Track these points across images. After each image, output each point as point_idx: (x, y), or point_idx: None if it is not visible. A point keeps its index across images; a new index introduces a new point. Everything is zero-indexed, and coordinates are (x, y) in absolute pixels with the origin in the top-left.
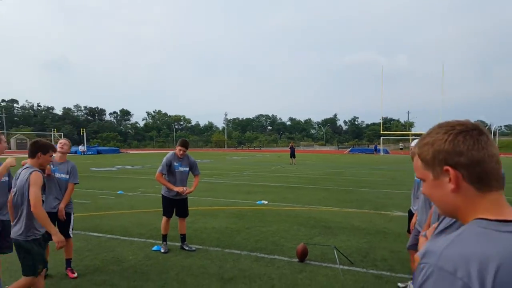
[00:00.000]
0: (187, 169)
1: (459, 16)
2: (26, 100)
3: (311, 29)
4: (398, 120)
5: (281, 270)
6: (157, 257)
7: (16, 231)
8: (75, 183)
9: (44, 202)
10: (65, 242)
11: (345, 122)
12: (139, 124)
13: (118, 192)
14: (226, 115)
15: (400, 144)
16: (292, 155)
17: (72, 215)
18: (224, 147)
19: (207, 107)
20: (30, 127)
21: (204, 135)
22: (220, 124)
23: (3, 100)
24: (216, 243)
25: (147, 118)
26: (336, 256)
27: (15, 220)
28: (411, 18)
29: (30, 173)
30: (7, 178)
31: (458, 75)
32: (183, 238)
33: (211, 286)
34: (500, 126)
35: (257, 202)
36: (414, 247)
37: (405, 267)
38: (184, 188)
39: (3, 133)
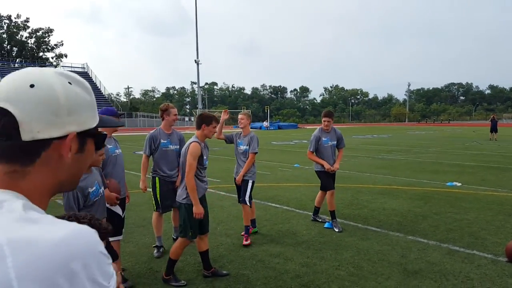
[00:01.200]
0: (335, 142)
1: None
2: (223, 82)
3: None
4: None
5: (483, 270)
6: (331, 235)
7: (180, 194)
8: (255, 153)
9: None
10: (202, 215)
11: None
12: (316, 100)
13: (295, 165)
14: (409, 85)
15: None
16: (494, 129)
17: (249, 182)
18: (405, 121)
19: (387, 78)
20: (225, 105)
21: (382, 108)
22: (401, 96)
23: (206, 83)
24: (397, 227)
25: (324, 94)
26: None
27: (180, 184)
28: None
29: (190, 143)
30: (177, 147)
31: None
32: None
33: (391, 276)
34: None
35: (448, 184)
36: None
37: None
38: (334, 167)
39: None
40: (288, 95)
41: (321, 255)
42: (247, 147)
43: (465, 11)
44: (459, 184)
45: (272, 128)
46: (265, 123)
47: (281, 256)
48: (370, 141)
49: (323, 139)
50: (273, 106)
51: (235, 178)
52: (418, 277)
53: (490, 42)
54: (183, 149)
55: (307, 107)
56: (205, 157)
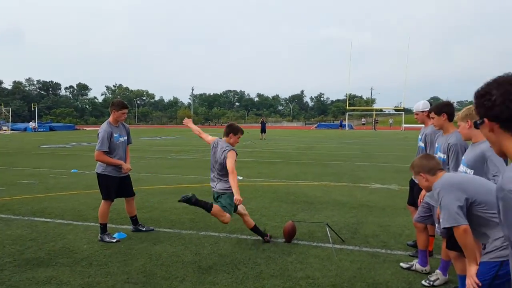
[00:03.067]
0: (126, 138)
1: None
2: None
3: (281, 2)
4: (361, 97)
5: (267, 253)
6: (118, 245)
7: (226, 187)
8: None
9: None
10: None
11: (311, 98)
12: (97, 100)
13: (72, 171)
14: (192, 89)
15: (363, 120)
16: (263, 130)
17: None
18: None
19: (172, 81)
20: None
21: (168, 111)
22: (186, 99)
23: None
24: (190, 225)
25: (107, 93)
26: (329, 235)
27: (219, 178)
28: None
29: (230, 150)
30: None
31: (420, 54)
32: (136, 220)
33: (186, 277)
34: (453, 102)
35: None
36: (423, 219)
37: (399, 243)
38: (127, 168)
39: None
40: (63, 92)
41: (106, 271)
42: None
43: (242, 24)
44: (241, 177)
45: (42, 129)
46: (32, 124)
47: (52, 281)
48: (158, 142)
49: (115, 135)
50: (43, 105)
51: None
52: (212, 272)
53: (256, 56)
54: (220, 153)
55: (87, 106)
56: None
